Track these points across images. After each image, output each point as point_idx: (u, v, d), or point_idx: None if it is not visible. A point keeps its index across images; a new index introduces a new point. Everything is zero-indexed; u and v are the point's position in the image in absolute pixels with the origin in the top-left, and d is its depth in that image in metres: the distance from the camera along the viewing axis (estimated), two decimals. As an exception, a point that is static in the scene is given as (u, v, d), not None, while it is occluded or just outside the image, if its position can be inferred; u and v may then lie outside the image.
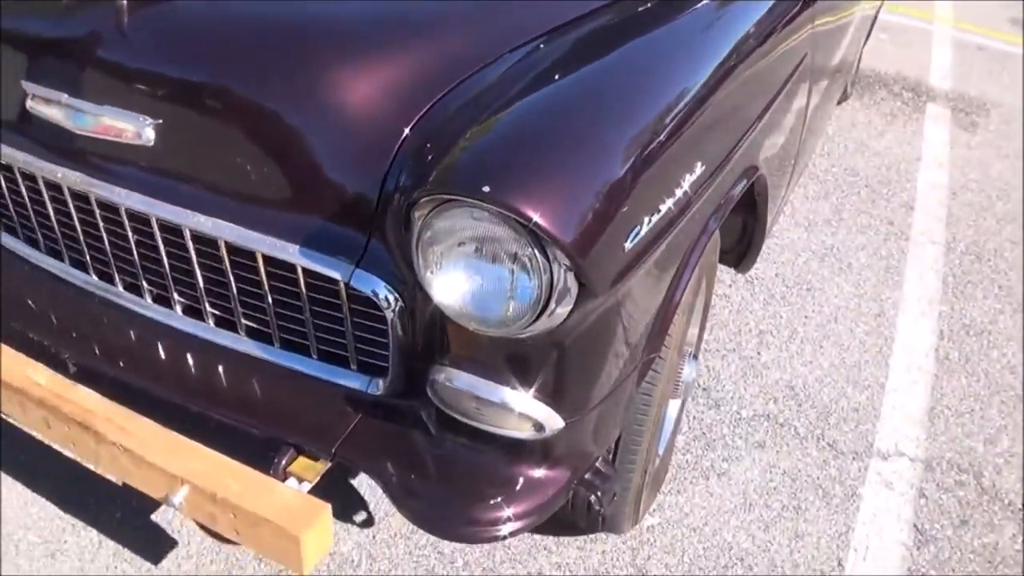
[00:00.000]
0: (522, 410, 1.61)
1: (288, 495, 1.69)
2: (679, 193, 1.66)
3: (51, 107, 1.84)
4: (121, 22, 1.79)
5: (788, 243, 3.48)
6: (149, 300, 1.96)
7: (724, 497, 2.41)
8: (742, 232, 2.46)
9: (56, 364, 1.94)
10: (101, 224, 1.90)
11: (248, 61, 1.74)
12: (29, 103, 1.87)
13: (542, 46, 1.79)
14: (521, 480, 1.70)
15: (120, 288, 1.99)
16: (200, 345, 1.93)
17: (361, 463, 1.75)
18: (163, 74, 1.75)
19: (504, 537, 1.68)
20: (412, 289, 1.61)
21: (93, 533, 2.24)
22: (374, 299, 1.63)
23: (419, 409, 1.75)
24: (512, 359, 1.60)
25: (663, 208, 1.61)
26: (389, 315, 1.64)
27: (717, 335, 2.95)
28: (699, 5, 2.01)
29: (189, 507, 1.74)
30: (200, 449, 1.77)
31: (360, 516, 2.30)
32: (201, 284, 1.84)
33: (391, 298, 1.62)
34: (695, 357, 2.33)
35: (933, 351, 2.98)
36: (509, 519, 1.68)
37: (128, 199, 1.79)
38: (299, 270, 1.69)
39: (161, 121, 1.73)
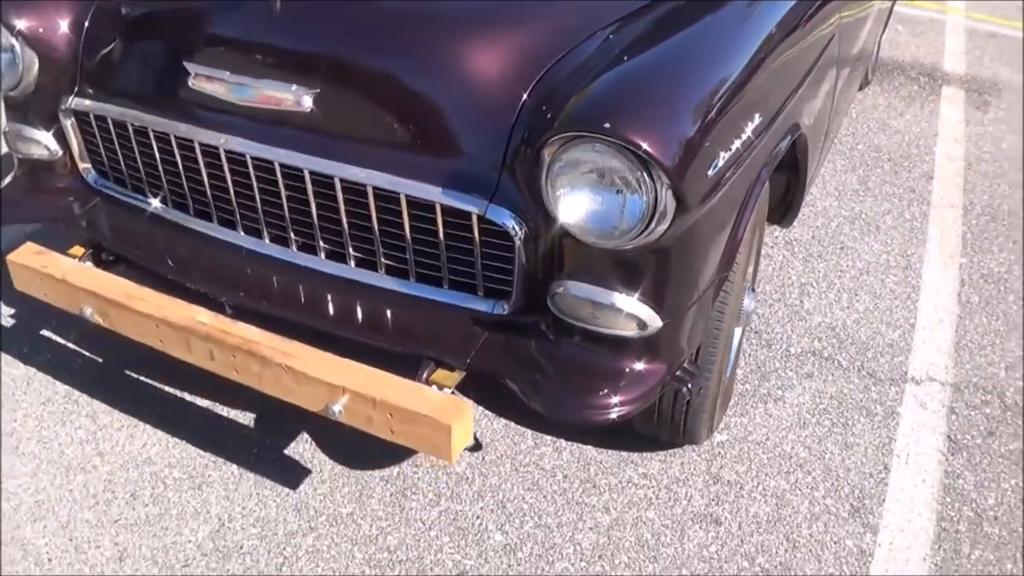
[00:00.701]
0: (629, 310, 2.01)
1: (436, 396, 2.10)
2: (744, 137, 2.08)
3: (214, 83, 2.27)
4: (275, 7, 2.23)
5: (821, 210, 3.88)
6: (295, 248, 2.39)
7: (781, 418, 2.82)
8: (785, 191, 2.89)
9: (214, 307, 2.38)
10: (255, 183, 2.33)
11: (392, 38, 2.15)
12: (192, 81, 2.30)
13: (626, 26, 2.22)
14: (627, 372, 2.10)
15: (267, 240, 2.42)
16: (343, 284, 2.33)
17: (492, 370, 2.15)
18: (319, 50, 2.15)
19: (614, 419, 2.08)
20: (536, 218, 2.01)
21: (233, 467, 2.63)
22: (505, 228, 2.04)
23: (537, 322, 2.15)
24: (620, 268, 2.00)
25: (733, 147, 2.03)
26: (517, 242, 2.05)
27: (764, 288, 3.36)
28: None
29: (348, 413, 2.14)
30: (355, 364, 2.17)
31: (470, 443, 2.70)
32: (346, 229, 2.26)
33: (518, 227, 2.03)
34: (752, 290, 2.76)
35: (956, 296, 3.38)
36: (618, 404, 2.07)
37: (286, 157, 2.21)
38: (438, 208, 2.11)
39: (318, 90, 2.15)
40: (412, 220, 2.16)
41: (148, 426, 2.76)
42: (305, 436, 2.73)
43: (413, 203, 2.13)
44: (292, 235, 2.36)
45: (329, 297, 2.36)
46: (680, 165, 1.82)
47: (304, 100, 2.15)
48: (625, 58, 2.04)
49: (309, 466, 2.64)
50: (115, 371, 2.96)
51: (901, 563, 2.39)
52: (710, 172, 1.93)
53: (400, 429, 2.09)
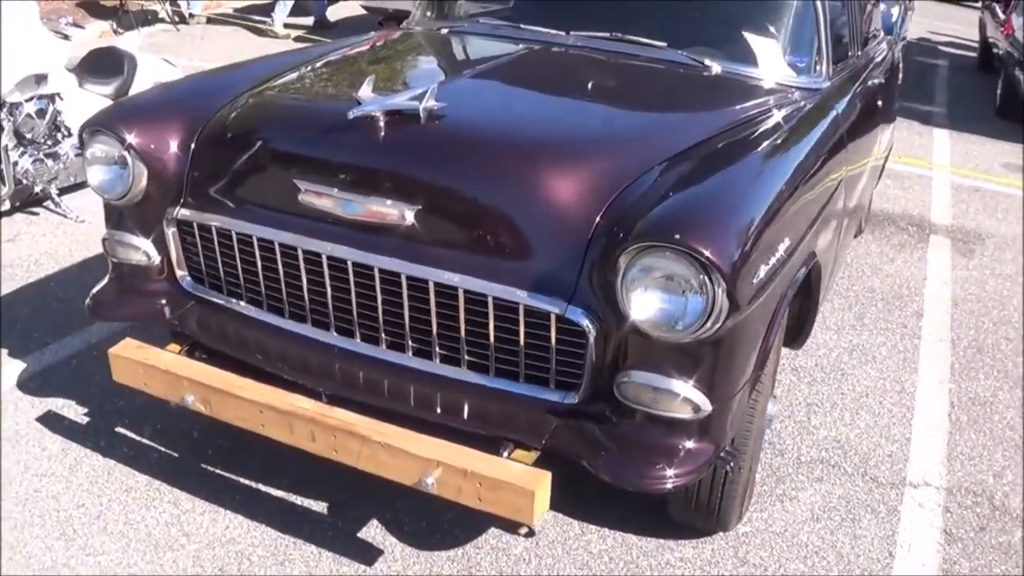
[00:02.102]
0: (685, 395, 2.55)
1: (519, 468, 2.60)
2: (778, 255, 2.69)
3: (322, 199, 2.83)
4: (378, 135, 2.80)
5: (822, 342, 4.51)
6: (384, 347, 2.91)
7: (796, 513, 3.31)
8: (798, 314, 3.48)
9: (311, 396, 2.87)
10: (352, 287, 2.85)
11: (486, 164, 2.76)
12: (300, 196, 2.85)
13: (678, 162, 2.85)
14: (681, 449, 2.61)
15: (358, 339, 2.94)
16: (428, 377, 2.85)
17: (564, 449, 2.66)
18: (422, 174, 2.76)
19: (670, 488, 2.59)
20: (607, 318, 2.57)
21: (312, 547, 3.07)
22: (581, 327, 2.59)
23: (603, 408, 2.67)
24: (678, 359, 2.55)
25: (770, 263, 2.63)
26: (590, 339, 2.60)
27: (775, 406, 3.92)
28: (778, 138, 3.10)
29: (439, 485, 2.62)
30: (444, 443, 2.67)
31: (524, 529, 3.15)
32: (435, 329, 2.79)
33: (592, 326, 2.59)
34: (774, 396, 3.31)
35: (947, 415, 3.96)
36: (673, 476, 2.58)
37: (388, 263, 2.75)
38: (521, 309, 2.66)
39: (419, 207, 2.72)
40: (496, 320, 2.68)
41: (228, 511, 3.19)
42: (374, 522, 3.18)
43: (498, 305, 2.67)
44: (383, 335, 2.87)
45: (417, 388, 2.88)
46: (733, 272, 2.40)
47: (406, 215, 2.72)
48: (683, 186, 2.67)
49: (381, 547, 3.08)
50: (191, 463, 3.41)
51: (910, 635, 2.85)
52: (754, 281, 2.51)
53: (488, 497, 2.57)
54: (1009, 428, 3.92)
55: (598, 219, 2.64)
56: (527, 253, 2.68)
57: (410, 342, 2.86)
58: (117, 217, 3.22)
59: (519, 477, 2.55)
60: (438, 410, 2.82)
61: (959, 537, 3.27)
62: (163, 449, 3.49)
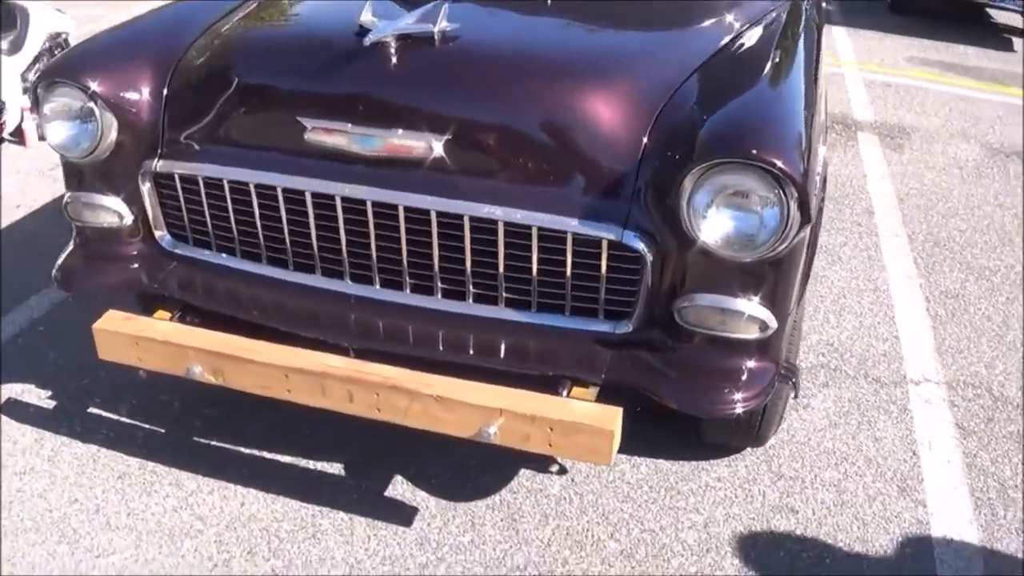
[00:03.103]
0: (754, 314, 2.43)
1: (590, 407, 2.44)
2: (821, 164, 2.58)
3: (334, 136, 2.55)
4: (393, 61, 2.52)
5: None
6: (408, 291, 2.66)
7: (814, 421, 3.29)
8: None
9: (338, 352, 2.60)
10: (372, 230, 2.59)
11: (520, 84, 2.54)
12: (308, 134, 2.56)
13: (712, 69, 2.68)
14: (745, 371, 2.51)
15: (377, 286, 2.68)
16: (461, 320, 2.64)
17: (625, 381, 2.51)
18: (452, 99, 2.52)
19: (739, 413, 2.49)
20: (665, 240, 2.41)
21: (341, 514, 2.85)
22: (638, 252, 2.42)
23: (658, 334, 2.53)
24: (744, 279, 2.43)
25: (819, 171, 2.52)
26: (647, 264, 2.43)
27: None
28: (781, 45, 2.96)
29: (503, 434, 2.43)
30: (502, 388, 2.48)
31: (555, 467, 3.01)
32: (469, 267, 2.56)
33: (649, 250, 2.42)
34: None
35: (925, 311, 4.03)
36: (741, 400, 2.49)
37: (418, 200, 2.51)
38: (569, 239, 2.46)
39: (449, 137, 2.47)
40: (540, 252, 2.48)
41: (238, 486, 2.92)
42: (399, 479, 2.97)
43: (543, 236, 2.47)
44: (407, 278, 2.62)
45: (451, 333, 2.67)
46: (804, 183, 2.30)
47: (434, 147, 2.47)
48: (725, 99, 2.51)
49: (414, 504, 2.87)
50: (182, 438, 3.12)
51: (952, 527, 2.89)
52: (816, 191, 2.38)
53: (559, 441, 2.40)
54: (986, 319, 4.00)
55: (645, 138, 2.47)
56: (572, 178, 2.49)
57: (439, 283, 2.62)
58: (81, 177, 2.85)
59: (594, 417, 2.39)
60: (481, 353, 2.61)
61: (972, 430, 3.32)
62: (147, 426, 3.16)
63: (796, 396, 2.73)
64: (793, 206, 2.29)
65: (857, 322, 3.90)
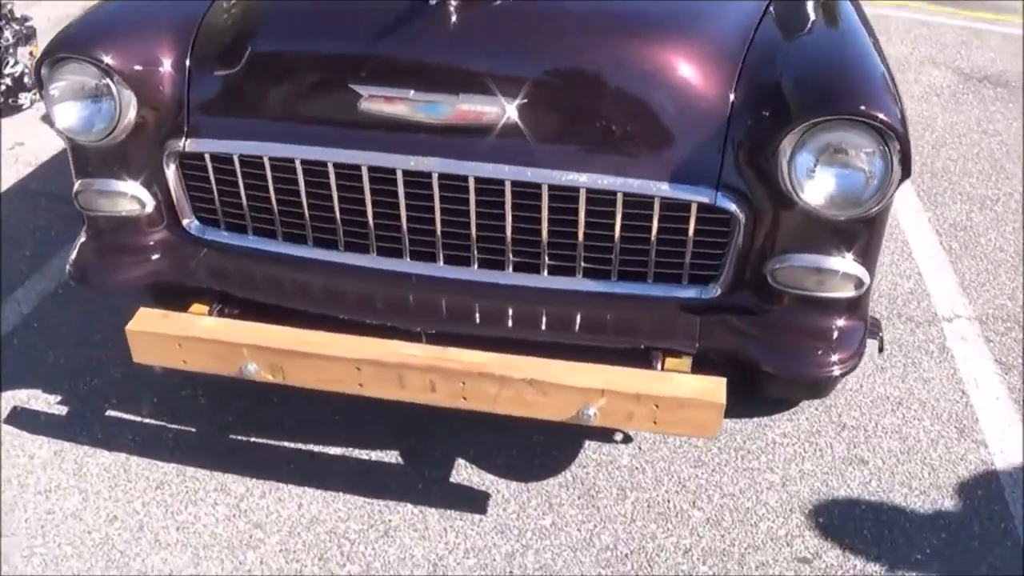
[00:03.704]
0: (848, 271, 2.33)
1: (693, 380, 2.32)
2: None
3: (394, 104, 2.33)
4: (457, 20, 2.30)
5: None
6: (476, 267, 2.48)
7: (862, 366, 3.15)
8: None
9: (412, 339, 2.41)
10: (438, 203, 2.39)
11: (590, 43, 2.36)
12: (364, 103, 2.34)
13: (780, 12, 2.53)
14: (837, 331, 2.42)
15: (441, 263, 2.49)
16: (536, 294, 2.47)
17: (719, 347, 2.40)
18: (527, 60, 2.33)
19: (838, 375, 2.40)
20: (760, 203, 2.29)
21: (409, 506, 2.69)
22: (732, 214, 2.29)
23: (747, 297, 2.42)
24: (840, 236, 2.32)
25: None
26: (739, 226, 2.30)
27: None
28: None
29: (603, 415, 2.30)
30: (600, 367, 2.33)
31: (619, 436, 2.89)
32: (545, 238, 2.39)
33: (742, 212, 2.29)
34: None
35: (939, 245, 4.03)
36: (838, 361, 2.40)
37: (493, 171, 2.31)
38: (656, 204, 2.30)
39: (525, 100, 2.28)
40: (623, 219, 2.33)
41: (291, 486, 2.73)
42: (461, 463, 2.82)
43: (627, 202, 2.30)
44: (475, 252, 2.44)
45: (527, 308, 2.50)
46: (907, 135, 2.18)
47: (508, 111, 2.27)
48: (805, 51, 2.38)
49: (484, 488, 2.72)
50: (217, 437, 2.90)
51: (1017, 465, 2.89)
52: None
53: (665, 418, 2.28)
54: (999, 250, 4.02)
55: (731, 95, 2.33)
56: (657, 139, 2.34)
57: (511, 256, 2.45)
58: (94, 162, 2.56)
59: (700, 391, 2.27)
60: (563, 329, 2.46)
61: (1012, 365, 3.33)
62: (174, 426, 2.92)
63: (882, 351, 2.66)
64: (896, 160, 2.18)
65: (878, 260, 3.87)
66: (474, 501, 2.71)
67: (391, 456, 2.84)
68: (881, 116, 2.14)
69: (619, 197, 2.32)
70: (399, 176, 2.38)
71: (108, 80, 2.39)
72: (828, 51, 2.43)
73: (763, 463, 2.86)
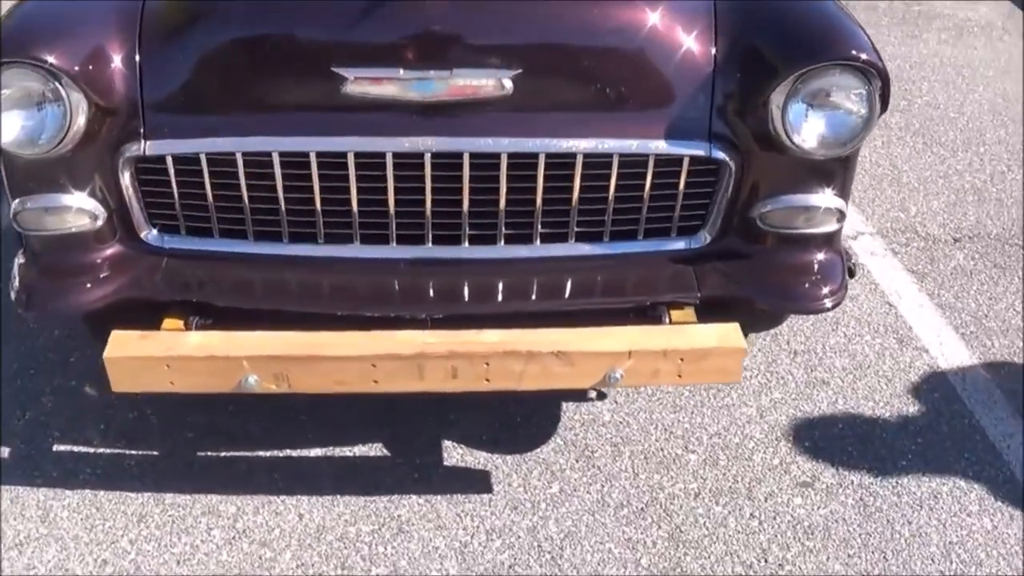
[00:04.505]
0: (833, 206, 2.44)
1: (712, 329, 2.37)
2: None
3: (383, 85, 2.22)
4: None
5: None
6: (467, 244, 2.42)
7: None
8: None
9: (416, 326, 2.34)
10: (429, 183, 2.31)
11: (579, 6, 2.31)
12: (349, 87, 2.21)
13: None
14: (822, 264, 2.53)
15: (429, 244, 2.41)
16: (530, 264, 2.45)
17: (717, 293, 2.46)
18: (519, 28, 2.27)
19: (830, 307, 2.52)
20: (750, 151, 2.34)
21: (414, 497, 2.64)
22: (727, 164, 2.34)
23: (733, 242, 2.49)
24: (823, 174, 2.41)
25: None
26: (731, 173, 2.36)
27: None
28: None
29: (630, 375, 2.32)
30: (618, 330, 2.34)
31: (592, 394, 2.93)
32: (539, 207, 2.36)
33: (732, 160, 2.35)
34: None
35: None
36: (829, 293, 2.51)
37: (480, 145, 2.25)
38: (651, 161, 2.33)
39: (520, 70, 2.22)
40: (618, 179, 2.35)
41: (283, 496, 2.62)
42: (449, 444, 2.79)
43: (623, 162, 2.32)
44: (466, 230, 2.39)
45: (526, 280, 2.47)
46: (887, 75, 2.29)
47: (506, 83, 2.22)
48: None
49: (481, 467, 2.70)
50: (184, 457, 2.74)
51: (959, 365, 3.17)
52: None
53: (690, 370, 2.34)
54: (875, 165, 4.32)
55: (712, 48, 2.35)
56: (649, 99, 2.35)
57: (503, 229, 2.41)
58: (37, 176, 2.28)
59: (721, 338, 2.34)
60: (565, 296, 2.44)
61: (923, 272, 3.64)
62: (134, 452, 2.72)
63: (853, 276, 2.81)
64: (876, 97, 2.30)
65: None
66: (477, 481, 2.68)
67: (374, 449, 2.76)
68: (865, 57, 2.23)
69: (615, 159, 2.33)
70: (388, 160, 2.28)
71: (55, 83, 2.13)
72: (796, 2, 2.51)
73: (735, 399, 2.98)
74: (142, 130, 2.27)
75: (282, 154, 2.26)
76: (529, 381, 2.32)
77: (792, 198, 2.43)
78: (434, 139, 2.25)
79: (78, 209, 2.31)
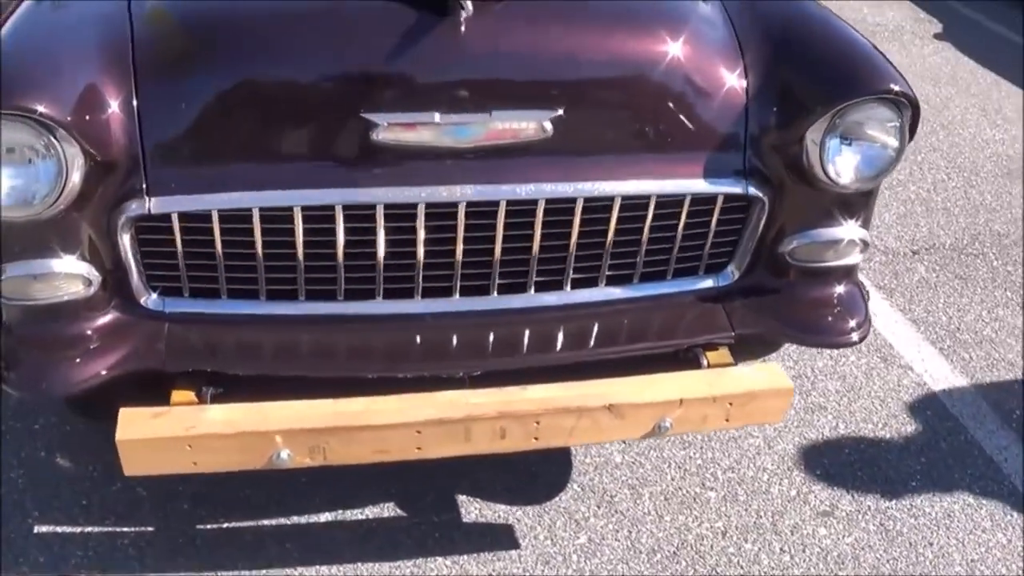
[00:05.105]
0: (856, 236, 2.44)
1: (753, 371, 2.35)
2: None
3: (417, 131, 2.09)
4: (462, 35, 2.09)
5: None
6: (496, 294, 2.32)
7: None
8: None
9: (455, 385, 2.22)
10: (461, 232, 2.19)
11: (614, 42, 2.24)
12: (380, 134, 2.07)
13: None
14: (846, 296, 2.53)
15: (456, 297, 2.30)
16: (560, 312, 2.36)
17: (750, 331, 2.43)
18: (558, 66, 2.17)
19: (856, 341, 2.53)
20: (781, 185, 2.32)
21: (439, 559, 2.52)
22: (760, 199, 2.31)
23: (760, 277, 2.46)
24: (850, 206, 2.41)
25: None
26: (765, 210, 2.33)
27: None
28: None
29: (679, 424, 2.25)
30: (665, 377, 2.28)
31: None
32: (573, 251, 2.28)
33: (766, 197, 2.32)
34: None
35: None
36: (855, 326, 2.51)
37: (519, 192, 2.15)
38: (687, 201, 2.27)
39: (559, 111, 2.13)
40: (652, 220, 2.29)
41: (303, 568, 2.49)
42: (464, 499, 2.69)
43: (659, 203, 2.27)
44: (496, 279, 2.29)
45: (558, 328, 2.38)
46: (918, 104, 2.30)
47: (546, 125, 2.13)
48: (802, 30, 2.45)
49: (502, 520, 2.61)
50: (184, 532, 2.56)
51: (943, 380, 3.26)
52: None
53: (737, 413, 2.31)
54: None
55: (744, 83, 2.32)
56: (683, 138, 2.30)
57: (534, 276, 2.31)
58: (24, 241, 2.04)
59: (768, 380, 2.31)
60: (599, 344, 2.36)
61: (890, 287, 3.75)
62: (127, 529, 2.51)
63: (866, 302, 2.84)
64: (907, 128, 2.31)
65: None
66: (501, 536, 2.58)
67: (387, 509, 2.62)
68: (899, 89, 2.24)
69: (652, 200, 2.27)
70: (420, 210, 2.15)
71: (49, 136, 1.92)
72: (822, 33, 2.48)
73: (741, 430, 2.97)
74: (144, 185, 2.05)
75: (304, 208, 2.11)
76: (579, 436, 2.24)
77: (821, 232, 2.41)
78: (472, 187, 2.13)
79: (69, 274, 2.07)
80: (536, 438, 2.21)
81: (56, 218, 2.00)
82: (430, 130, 2.09)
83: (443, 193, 2.12)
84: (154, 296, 2.20)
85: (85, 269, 2.09)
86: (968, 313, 3.56)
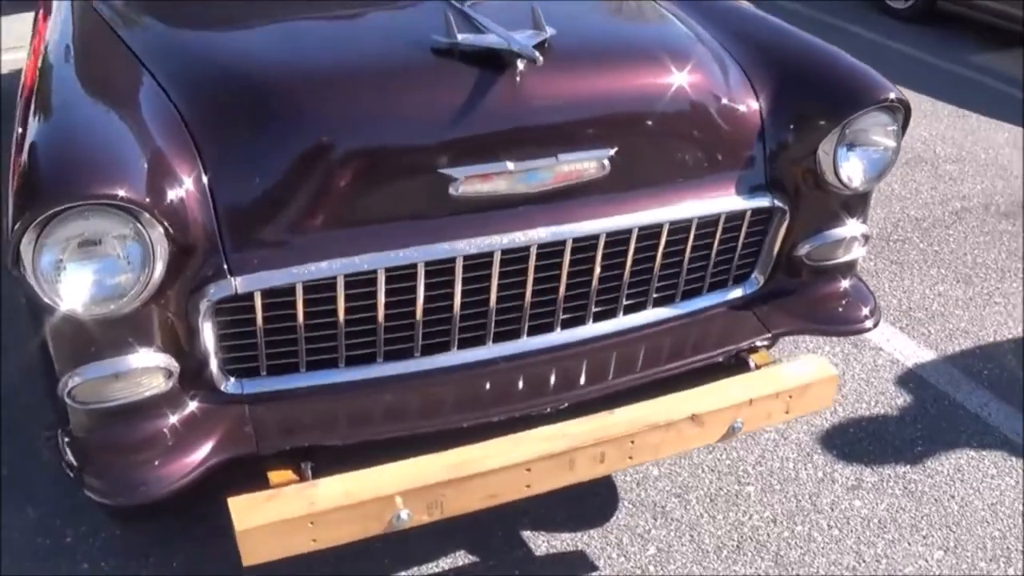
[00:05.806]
0: (859, 232, 2.69)
1: (801, 364, 2.54)
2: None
3: (493, 181, 2.19)
4: (521, 86, 2.21)
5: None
6: (559, 330, 2.42)
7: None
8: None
9: (541, 422, 2.31)
10: (532, 274, 2.29)
11: (649, 79, 2.41)
12: (459, 188, 2.15)
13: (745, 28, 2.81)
14: (853, 287, 2.78)
15: (524, 337, 2.39)
16: (615, 339, 2.50)
17: (784, 332, 2.63)
18: (608, 106, 2.32)
19: (869, 328, 2.77)
20: (800, 194, 2.55)
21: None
22: (783, 209, 2.52)
23: (784, 280, 2.68)
24: (854, 206, 2.66)
25: None
26: (785, 218, 2.54)
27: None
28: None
29: (748, 422, 2.43)
30: (729, 382, 2.45)
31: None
32: (627, 279, 2.42)
33: (786, 206, 2.53)
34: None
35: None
36: (868, 313, 2.75)
37: (583, 228, 2.28)
38: (721, 219, 2.46)
39: (616, 149, 2.27)
40: (693, 241, 2.47)
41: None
42: (529, 534, 2.75)
43: (698, 224, 2.45)
44: (560, 315, 2.41)
45: (609, 355, 2.51)
46: (909, 108, 2.57)
47: (605, 163, 2.27)
48: (793, 49, 2.73)
49: (573, 548, 2.71)
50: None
51: (914, 356, 3.59)
52: None
53: (795, 405, 2.51)
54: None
55: (757, 105, 2.54)
56: (716, 161, 2.50)
57: (593, 308, 2.44)
58: (103, 339, 1.97)
59: (814, 371, 2.51)
60: (657, 362, 2.51)
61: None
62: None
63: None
64: (900, 128, 2.58)
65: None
66: (578, 562, 2.67)
67: (460, 558, 2.66)
68: (895, 96, 2.51)
69: (694, 222, 2.43)
70: (496, 257, 2.23)
71: (135, 221, 1.87)
72: (814, 55, 2.72)
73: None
74: (226, 265, 2.04)
75: (387, 270, 2.16)
76: (666, 450, 2.38)
77: (832, 232, 2.65)
78: (544, 230, 2.24)
79: (149, 368, 2.02)
80: (631, 456, 2.33)
81: (137, 310, 1.95)
82: (504, 179, 2.20)
83: (519, 238, 2.22)
84: (232, 380, 2.19)
85: (165, 361, 2.04)
86: (914, 293, 3.91)
